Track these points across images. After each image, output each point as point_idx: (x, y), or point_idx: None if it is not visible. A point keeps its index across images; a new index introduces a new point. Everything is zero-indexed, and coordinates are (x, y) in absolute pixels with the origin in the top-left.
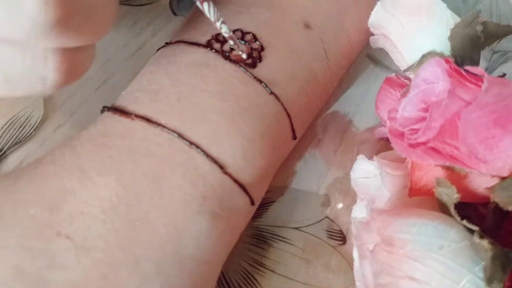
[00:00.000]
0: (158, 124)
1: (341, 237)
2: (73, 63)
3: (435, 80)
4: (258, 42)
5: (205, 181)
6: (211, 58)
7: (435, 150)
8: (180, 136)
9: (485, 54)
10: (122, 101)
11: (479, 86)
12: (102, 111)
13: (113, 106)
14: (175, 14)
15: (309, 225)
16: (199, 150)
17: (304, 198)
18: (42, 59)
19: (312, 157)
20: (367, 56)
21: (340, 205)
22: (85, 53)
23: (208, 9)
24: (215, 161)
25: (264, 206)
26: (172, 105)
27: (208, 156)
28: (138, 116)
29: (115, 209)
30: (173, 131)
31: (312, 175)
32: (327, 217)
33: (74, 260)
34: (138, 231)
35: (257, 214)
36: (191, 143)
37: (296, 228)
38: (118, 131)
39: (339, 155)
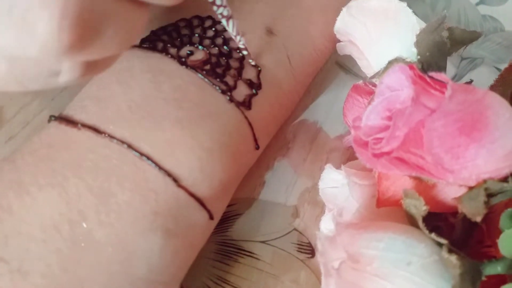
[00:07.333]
0: (106, 134)
1: (309, 250)
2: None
3: (399, 87)
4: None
5: (157, 196)
6: (167, 63)
7: (400, 159)
8: (130, 146)
9: (453, 61)
10: (70, 110)
11: (444, 93)
12: (49, 121)
13: (60, 115)
14: None
15: (276, 238)
16: (150, 162)
17: (271, 209)
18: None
19: (280, 166)
20: (336, 63)
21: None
22: None
23: (232, 26)
24: (168, 174)
25: (229, 219)
26: (122, 113)
27: (160, 168)
28: (85, 126)
29: (57, 227)
30: (122, 141)
31: (280, 185)
32: (295, 229)
33: (9, 286)
34: (82, 252)
35: (223, 228)
36: (142, 154)
37: (263, 242)
38: (63, 142)
39: (308, 164)
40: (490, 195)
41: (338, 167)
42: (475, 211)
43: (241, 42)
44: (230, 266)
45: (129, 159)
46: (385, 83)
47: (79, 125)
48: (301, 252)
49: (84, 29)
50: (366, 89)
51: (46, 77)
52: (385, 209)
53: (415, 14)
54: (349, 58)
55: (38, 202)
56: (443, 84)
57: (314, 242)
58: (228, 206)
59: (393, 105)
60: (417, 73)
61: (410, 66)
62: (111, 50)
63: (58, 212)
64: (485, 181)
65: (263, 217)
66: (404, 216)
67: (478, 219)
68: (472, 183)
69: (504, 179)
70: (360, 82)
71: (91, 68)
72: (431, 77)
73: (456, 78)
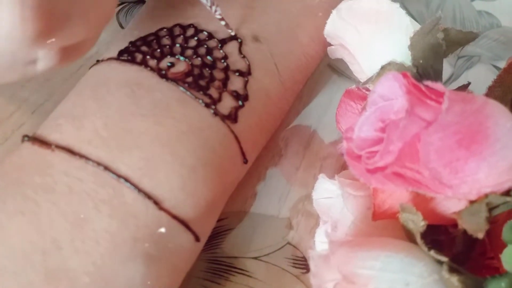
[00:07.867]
0: (81, 156)
1: (304, 265)
2: (67, 47)
3: (393, 96)
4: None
5: (137, 220)
6: (145, 77)
7: (396, 174)
8: (106, 168)
9: (449, 59)
10: (44, 129)
11: (440, 103)
12: (22, 141)
13: (33, 135)
14: (122, 27)
15: (269, 253)
16: (129, 184)
17: (264, 223)
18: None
19: (272, 176)
20: (328, 66)
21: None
22: None
23: None
24: (148, 196)
25: (219, 235)
26: (97, 132)
27: (140, 190)
28: (59, 147)
29: (28, 258)
30: (98, 163)
31: (272, 196)
32: (289, 243)
33: None
34: (56, 283)
35: (213, 245)
36: (119, 176)
37: (255, 258)
38: (36, 164)
39: (302, 172)
40: (491, 208)
41: (332, 174)
42: (476, 227)
43: (217, 13)
44: (221, 285)
45: (106, 181)
46: (377, 92)
47: (53, 146)
48: (295, 267)
49: (49, 17)
50: (359, 93)
51: (22, 66)
52: (382, 221)
53: (408, 12)
54: (342, 60)
55: (7, 231)
56: (439, 93)
57: (308, 255)
58: (218, 220)
59: (386, 115)
60: (411, 82)
61: (404, 74)
62: (83, 35)
63: (29, 241)
64: (486, 196)
65: (255, 231)
66: (402, 229)
67: (480, 235)
68: (473, 198)
69: (507, 193)
70: (353, 86)
71: (69, 53)
72: (426, 86)
73: (452, 77)
